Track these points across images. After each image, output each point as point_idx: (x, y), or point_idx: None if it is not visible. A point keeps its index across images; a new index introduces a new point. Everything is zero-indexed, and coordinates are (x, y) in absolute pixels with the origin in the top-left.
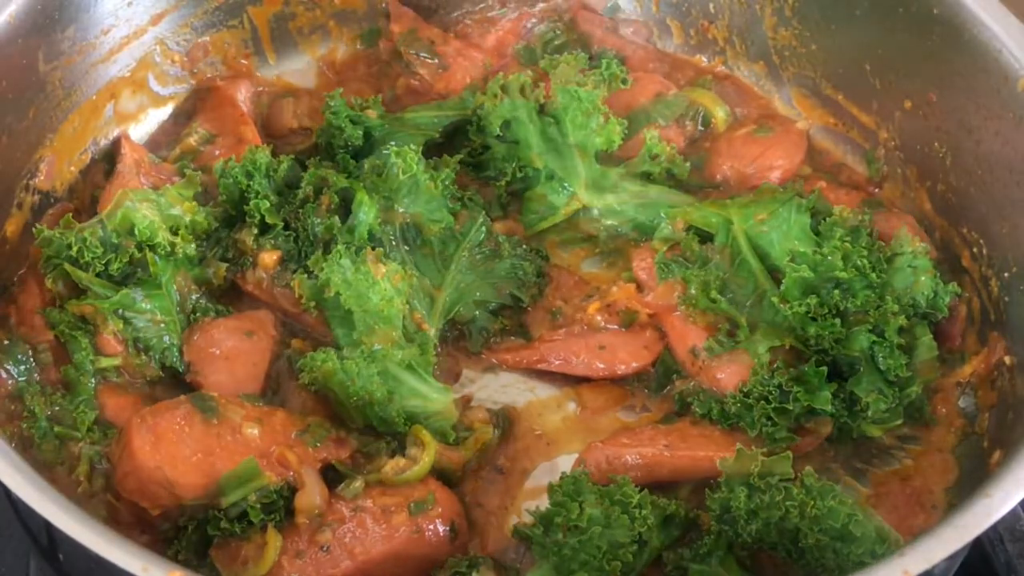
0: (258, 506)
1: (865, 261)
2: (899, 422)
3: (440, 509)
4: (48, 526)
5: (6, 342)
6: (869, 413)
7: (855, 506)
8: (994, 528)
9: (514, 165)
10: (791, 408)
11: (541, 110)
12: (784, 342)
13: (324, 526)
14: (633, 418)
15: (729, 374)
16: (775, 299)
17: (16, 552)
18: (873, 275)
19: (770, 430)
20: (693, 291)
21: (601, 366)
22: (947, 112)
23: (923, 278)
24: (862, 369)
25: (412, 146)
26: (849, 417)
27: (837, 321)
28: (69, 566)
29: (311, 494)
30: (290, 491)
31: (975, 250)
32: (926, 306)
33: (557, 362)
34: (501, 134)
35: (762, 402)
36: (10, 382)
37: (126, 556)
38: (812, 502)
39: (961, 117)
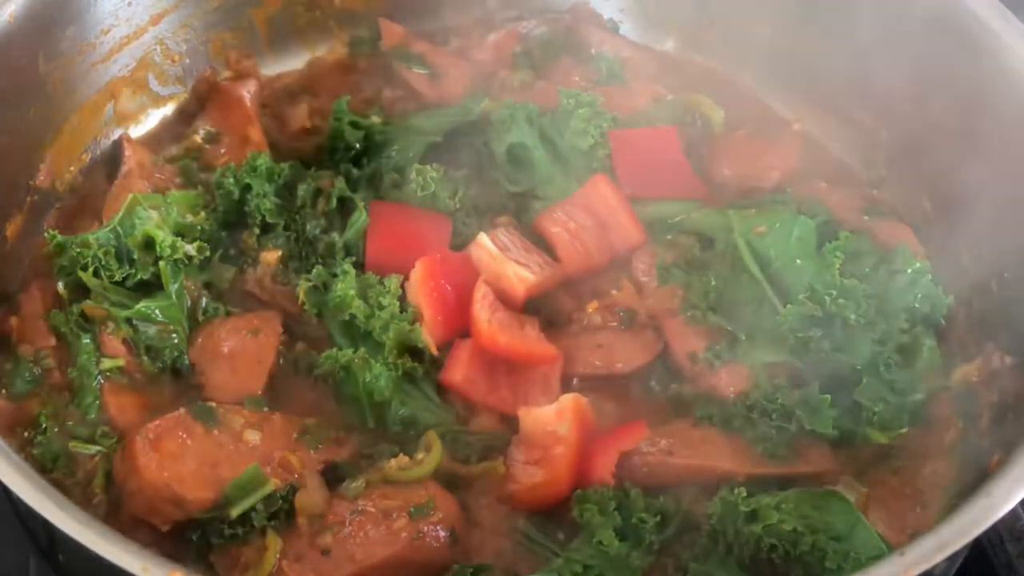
0: (262, 509)
1: (867, 300)
2: (904, 429)
3: (440, 514)
4: (48, 526)
5: (8, 366)
6: (875, 421)
7: (855, 509)
8: (994, 528)
9: (522, 187)
10: (792, 428)
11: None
12: (783, 356)
13: (324, 529)
14: (632, 418)
15: (727, 382)
16: (776, 306)
17: (16, 552)
18: (871, 303)
19: (771, 448)
20: (693, 299)
21: (599, 364)
22: (947, 112)
23: (923, 294)
24: (865, 377)
25: (412, 153)
26: (854, 424)
27: (838, 331)
28: (69, 566)
29: (312, 494)
30: (293, 493)
31: (975, 250)
32: (925, 317)
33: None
34: (507, 158)
35: (765, 418)
36: (16, 404)
37: (126, 556)
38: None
39: (961, 117)
